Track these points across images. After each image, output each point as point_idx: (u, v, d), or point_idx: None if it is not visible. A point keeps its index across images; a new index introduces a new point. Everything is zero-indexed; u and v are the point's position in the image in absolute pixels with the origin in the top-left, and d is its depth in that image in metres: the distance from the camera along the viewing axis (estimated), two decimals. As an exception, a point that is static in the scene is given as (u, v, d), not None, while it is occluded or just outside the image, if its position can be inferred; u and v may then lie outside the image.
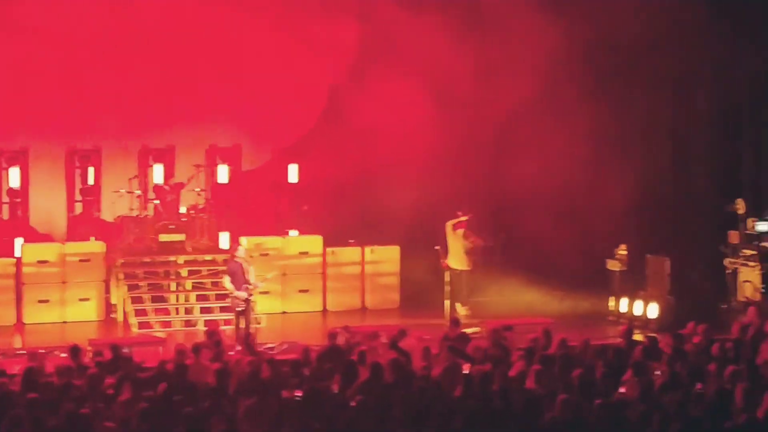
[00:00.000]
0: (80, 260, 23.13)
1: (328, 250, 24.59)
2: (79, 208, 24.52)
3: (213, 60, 25.16)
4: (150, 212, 24.35)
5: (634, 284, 23.29)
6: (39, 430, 12.87)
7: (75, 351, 16.28)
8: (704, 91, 25.54)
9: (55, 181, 24.63)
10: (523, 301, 23.96)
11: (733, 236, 23.29)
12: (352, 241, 24.85)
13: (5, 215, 24.04)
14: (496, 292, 24.47)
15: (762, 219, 23.23)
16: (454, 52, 24.33)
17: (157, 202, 24.25)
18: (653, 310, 22.42)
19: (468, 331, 19.60)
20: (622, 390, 14.93)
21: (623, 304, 23.08)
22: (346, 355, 16.51)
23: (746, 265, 22.94)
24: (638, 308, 22.74)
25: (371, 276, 24.71)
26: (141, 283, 23.28)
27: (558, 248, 24.47)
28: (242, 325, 20.48)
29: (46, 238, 24.19)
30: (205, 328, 20.48)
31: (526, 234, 25.27)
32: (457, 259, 22.86)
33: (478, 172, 25.15)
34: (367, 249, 24.76)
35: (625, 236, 24.26)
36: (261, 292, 21.63)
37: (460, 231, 22.85)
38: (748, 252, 22.93)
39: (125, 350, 17.11)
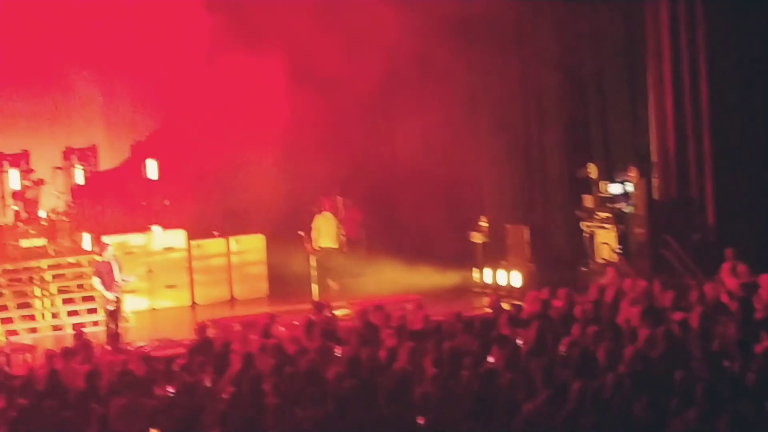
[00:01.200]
0: (-62, 271, 22.68)
1: (193, 243, 24.47)
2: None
3: (65, 59, 24.80)
4: (9, 219, 23.92)
5: (496, 254, 23.60)
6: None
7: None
8: (550, 59, 25.90)
9: None
10: (391, 279, 24.12)
11: (588, 200, 23.73)
12: (216, 233, 24.75)
13: None
14: (363, 273, 24.65)
15: (613, 181, 23.74)
16: (313, 30, 24.32)
17: (16, 208, 23.83)
18: (516, 279, 22.78)
19: (337, 313, 19.74)
20: (491, 360, 15.15)
21: (487, 275, 23.40)
22: (216, 348, 16.47)
23: (602, 227, 23.41)
24: (502, 278, 23.08)
25: (238, 266, 24.66)
26: (5, 291, 22.87)
27: (422, 224, 24.73)
28: (112, 325, 20.30)
29: None
30: (73, 332, 20.24)
31: (390, 212, 25.53)
32: (328, 238, 23.21)
33: (337, 153, 25.19)
34: (232, 239, 24.70)
35: (486, 208, 24.63)
36: (127, 291, 21.42)
37: (329, 213, 23.27)
38: (603, 215, 23.40)
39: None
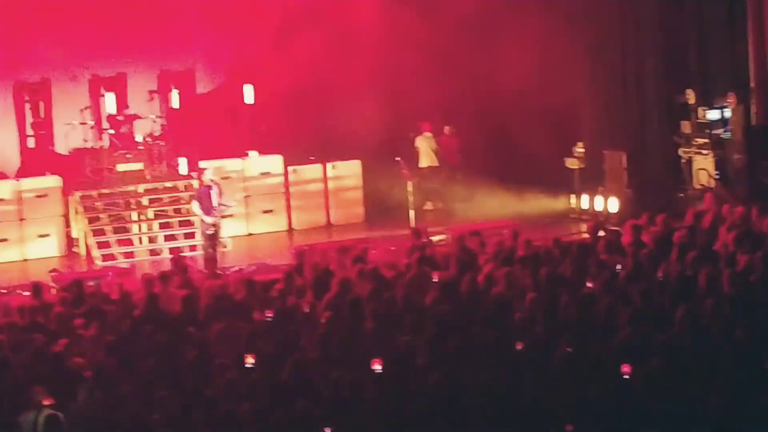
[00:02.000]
0: (37, 196, 22.78)
1: (290, 168, 24.37)
2: (31, 142, 24.07)
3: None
4: (105, 143, 24.00)
5: (593, 180, 23.31)
6: (7, 371, 12.71)
7: (37, 288, 16.07)
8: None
9: (4, 117, 24.20)
10: (488, 205, 23.89)
11: (685, 126, 23.39)
12: (313, 158, 24.64)
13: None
14: (459, 199, 24.48)
15: (711, 107, 23.32)
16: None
17: (112, 132, 23.88)
18: (613, 205, 22.52)
19: (434, 239, 19.57)
20: (589, 285, 14.92)
21: (584, 201, 23.18)
22: (313, 272, 16.38)
23: (700, 153, 23.11)
24: (599, 204, 22.82)
25: (334, 192, 24.55)
26: (101, 215, 22.98)
27: (520, 150, 24.45)
28: (211, 249, 20.32)
29: (-1, 176, 23.90)
30: (171, 256, 20.31)
31: (486, 138, 25.26)
32: (428, 157, 24.06)
33: (436, 78, 24.92)
34: (329, 165, 24.56)
35: (583, 134, 24.28)
36: (225, 216, 21.40)
37: (429, 134, 23.98)
38: (701, 140, 23.08)
39: (90, 284, 16.90)
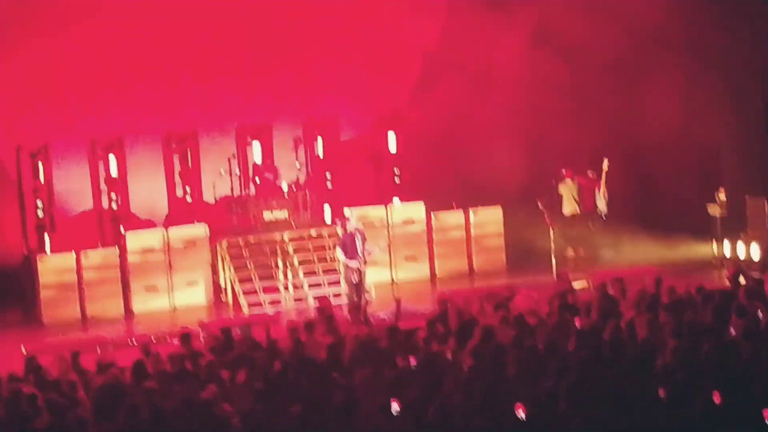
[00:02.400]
0: (185, 245, 23.28)
1: (432, 215, 24.50)
2: (179, 192, 24.62)
3: (305, 34, 25.16)
4: (251, 191, 24.44)
5: (735, 226, 22.99)
6: (157, 418, 12.97)
7: (185, 336, 16.38)
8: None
9: (153, 167, 24.79)
10: (628, 251, 23.71)
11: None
12: (455, 204, 24.73)
13: (105, 204, 24.18)
14: (601, 244, 24.30)
15: None
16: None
17: (258, 180, 24.32)
18: (755, 252, 22.13)
19: (576, 285, 19.47)
20: (731, 332, 14.71)
21: (726, 248, 22.87)
22: (456, 319, 16.42)
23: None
24: (741, 250, 22.49)
25: (476, 238, 24.59)
26: (248, 263, 23.38)
27: (662, 196, 24.22)
28: (355, 297, 20.51)
29: (148, 224, 24.38)
30: (316, 303, 20.55)
31: (628, 184, 25.06)
32: (570, 205, 24.03)
33: (577, 124, 24.87)
34: (471, 211, 24.63)
35: (724, 179, 23.97)
36: (369, 263, 21.58)
37: (570, 181, 23.85)
38: None
39: (237, 331, 17.17)
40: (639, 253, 23.37)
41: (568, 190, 24.36)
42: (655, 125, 23.72)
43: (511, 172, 24.15)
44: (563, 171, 24.38)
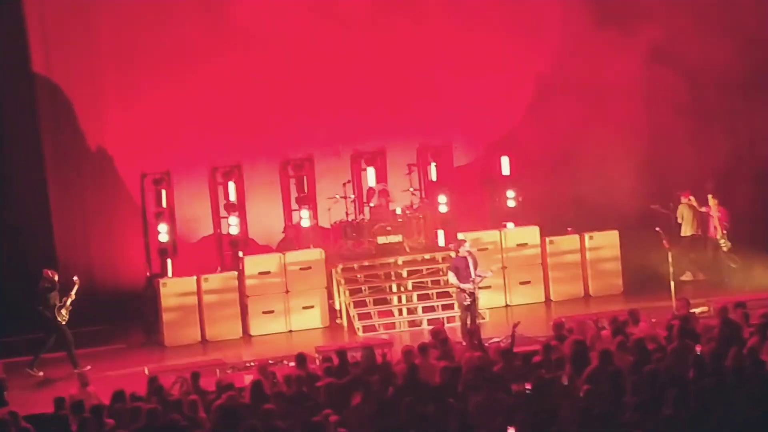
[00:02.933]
0: (301, 269, 23.41)
1: (547, 239, 24.32)
2: (295, 216, 24.77)
3: (418, 60, 25.25)
4: (366, 216, 24.52)
5: None
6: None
7: (302, 359, 16.47)
8: None
9: (270, 193, 25.05)
10: (751, 275, 23.26)
11: None
12: (570, 229, 24.52)
13: (224, 230, 24.49)
14: (723, 269, 23.89)
15: None
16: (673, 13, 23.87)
17: (372, 205, 24.41)
18: None
19: (696, 310, 19.17)
20: None
21: None
22: (573, 344, 16.25)
23: None
24: None
25: (592, 262, 24.32)
26: (362, 287, 23.45)
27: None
28: (468, 320, 20.44)
29: (266, 249, 24.61)
30: (430, 327, 20.51)
31: (750, 205, 24.67)
32: (689, 226, 23.82)
33: (687, 148, 24.58)
34: (586, 235, 24.39)
35: None
36: (482, 287, 21.54)
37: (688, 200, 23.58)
38: None
39: (352, 355, 17.19)
40: (762, 278, 22.88)
41: (688, 211, 24.05)
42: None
43: (628, 194, 23.91)
44: (682, 193, 24.12)
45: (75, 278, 21.43)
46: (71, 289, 21.23)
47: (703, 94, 24.07)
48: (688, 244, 23.91)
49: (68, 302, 21.11)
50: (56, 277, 21.34)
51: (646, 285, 23.25)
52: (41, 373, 20.82)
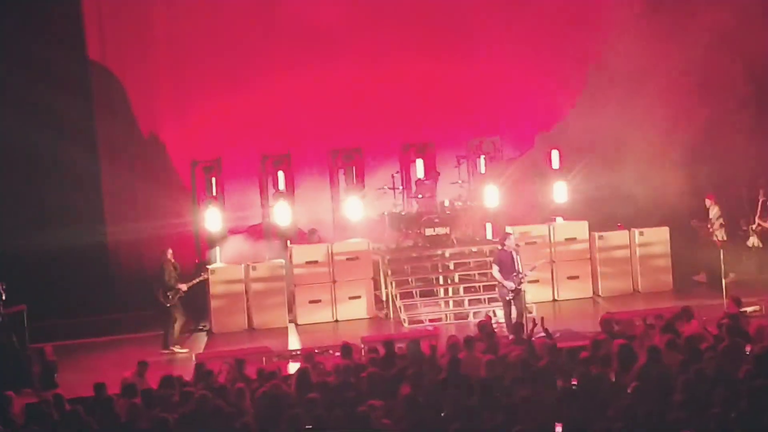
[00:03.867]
0: (348, 259, 23.41)
1: (596, 234, 24.17)
2: (344, 207, 24.75)
3: (468, 52, 25.23)
4: (414, 208, 24.48)
5: None
6: (319, 429, 13.05)
7: (347, 349, 16.47)
8: None
9: (319, 183, 25.08)
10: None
11: None
12: (620, 224, 24.36)
13: (273, 218, 24.50)
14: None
15: None
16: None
17: (420, 196, 24.38)
18: None
19: (747, 309, 18.99)
20: None
21: None
22: (622, 341, 16.13)
23: None
24: None
25: (642, 259, 24.14)
26: (409, 278, 23.42)
27: None
28: (513, 314, 20.35)
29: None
30: (476, 320, 20.43)
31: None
32: (720, 230, 23.08)
33: (738, 150, 24.40)
34: (636, 231, 24.22)
35: None
36: (530, 281, 21.45)
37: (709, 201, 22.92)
38: None
39: (399, 345, 17.15)
40: None
41: (715, 215, 23.46)
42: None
43: (680, 190, 23.74)
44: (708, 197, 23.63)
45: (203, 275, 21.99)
46: (193, 278, 21.68)
47: (764, 85, 23.82)
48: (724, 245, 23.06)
49: (179, 286, 21.42)
50: (166, 263, 21.59)
51: (697, 282, 23.05)
52: (178, 349, 21.13)
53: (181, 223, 24.58)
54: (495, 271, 20.67)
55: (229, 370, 16.08)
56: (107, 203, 24.85)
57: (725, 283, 21.67)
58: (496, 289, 21.07)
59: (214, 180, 24.05)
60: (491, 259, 22.41)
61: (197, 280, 21.94)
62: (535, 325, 18.11)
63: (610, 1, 24.88)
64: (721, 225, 23.14)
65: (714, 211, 23.39)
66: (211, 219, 23.73)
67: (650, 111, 23.93)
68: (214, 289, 22.98)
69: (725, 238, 23.09)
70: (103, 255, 24.50)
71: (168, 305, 21.35)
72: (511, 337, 19.02)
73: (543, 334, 17.63)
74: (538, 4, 25.01)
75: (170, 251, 21.83)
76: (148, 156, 25.09)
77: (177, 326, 21.50)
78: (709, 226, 23.19)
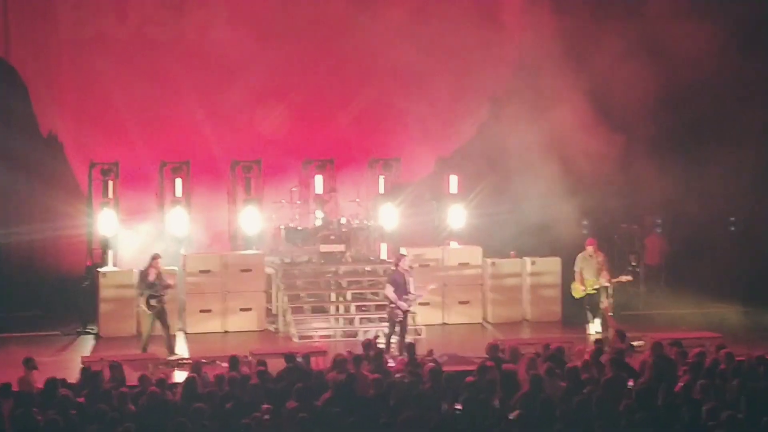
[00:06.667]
0: (241, 270, 23.34)
1: (490, 261, 24.37)
2: (240, 218, 24.64)
3: (373, 73, 25.36)
4: (310, 223, 24.50)
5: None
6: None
7: (235, 361, 16.43)
8: None
9: (216, 192, 25.01)
10: (689, 314, 23.45)
11: None
12: (513, 252, 24.59)
13: (168, 225, 24.25)
14: (663, 307, 24.06)
15: None
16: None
17: (320, 213, 24.41)
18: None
19: (634, 344, 19.24)
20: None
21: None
22: (505, 368, 16.30)
23: None
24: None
25: (532, 288, 24.39)
26: (301, 293, 23.43)
27: (727, 262, 24.05)
28: (396, 336, 20.42)
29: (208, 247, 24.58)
30: (365, 339, 20.45)
31: (694, 246, 24.90)
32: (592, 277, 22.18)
33: (633, 188, 24.86)
34: (528, 260, 24.46)
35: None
36: (421, 303, 21.59)
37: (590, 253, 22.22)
38: None
39: (299, 359, 17.14)
40: (700, 318, 23.04)
41: (588, 264, 22.17)
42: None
43: (570, 222, 24.07)
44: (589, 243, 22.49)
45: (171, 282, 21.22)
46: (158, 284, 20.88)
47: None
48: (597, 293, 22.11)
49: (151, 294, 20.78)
50: (152, 268, 20.86)
51: (585, 314, 23.32)
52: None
53: (74, 226, 24.31)
54: (389, 291, 20.68)
55: (114, 375, 15.95)
56: (0, 203, 24.52)
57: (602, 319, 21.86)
58: (387, 309, 21.11)
59: (111, 183, 23.82)
60: (385, 278, 22.51)
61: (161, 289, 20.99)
62: (429, 352, 18.19)
63: (516, 32, 25.20)
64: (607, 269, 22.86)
65: (599, 260, 22.21)
66: (106, 222, 23.48)
67: (552, 138, 24.24)
68: (104, 292, 22.75)
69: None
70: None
71: (149, 312, 20.82)
72: (400, 357, 19.11)
73: (431, 362, 17.72)
74: (445, 29, 25.21)
75: (159, 258, 21.12)
76: (46, 157, 24.80)
77: (148, 333, 20.87)
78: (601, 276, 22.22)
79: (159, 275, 20.82)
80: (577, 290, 21.94)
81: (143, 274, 20.90)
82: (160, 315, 20.77)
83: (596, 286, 21.76)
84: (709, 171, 24.42)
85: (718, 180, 24.44)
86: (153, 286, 20.75)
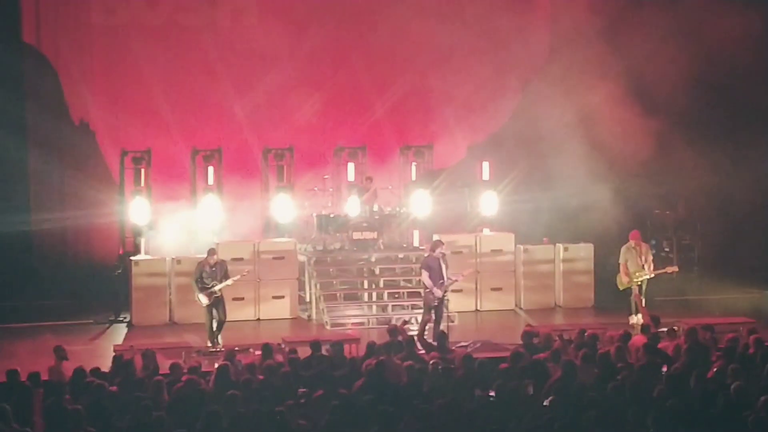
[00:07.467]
0: (274, 258, 23.34)
1: (522, 247, 24.30)
2: (273, 206, 24.60)
3: (405, 60, 25.31)
4: (343, 210, 24.48)
5: None
6: (235, 426, 13.03)
7: (268, 349, 16.43)
8: None
9: (248, 180, 25.02)
10: (726, 301, 23.32)
11: None
12: (546, 238, 24.52)
13: (199, 213, 24.28)
14: (696, 292, 23.91)
15: None
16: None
17: (351, 199, 24.37)
18: None
19: (666, 330, 19.14)
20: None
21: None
22: (534, 353, 16.26)
23: None
24: None
25: (565, 274, 24.30)
26: (334, 281, 23.43)
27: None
28: (432, 322, 20.37)
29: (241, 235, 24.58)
30: (396, 326, 20.40)
31: (728, 235, 24.76)
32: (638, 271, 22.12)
33: (668, 173, 24.68)
34: (561, 246, 24.38)
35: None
36: (454, 290, 21.53)
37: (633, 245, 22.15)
38: None
39: (325, 347, 17.11)
40: (734, 303, 22.91)
41: (632, 256, 22.06)
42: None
43: (606, 209, 23.97)
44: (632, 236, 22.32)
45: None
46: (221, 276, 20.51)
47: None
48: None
49: (213, 287, 20.42)
50: (206, 262, 20.52)
51: (617, 300, 23.21)
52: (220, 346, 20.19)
53: (106, 213, 24.39)
54: (425, 276, 20.53)
55: (147, 364, 15.98)
56: (33, 191, 24.62)
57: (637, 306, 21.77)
58: (423, 294, 21.05)
59: (143, 171, 23.86)
60: (418, 265, 22.46)
61: (230, 281, 20.67)
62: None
63: (549, 14, 25.09)
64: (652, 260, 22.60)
65: (643, 251, 22.15)
66: (138, 210, 23.51)
67: (585, 123, 24.14)
68: (137, 281, 22.79)
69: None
70: (26, 243, 24.25)
71: (204, 305, 20.52)
72: (433, 344, 19.08)
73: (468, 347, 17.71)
74: (478, 13, 25.12)
75: (215, 253, 20.83)
76: (78, 144, 24.88)
77: (214, 324, 20.53)
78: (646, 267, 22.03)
79: (215, 268, 20.57)
80: (622, 282, 21.84)
81: (199, 267, 20.74)
82: (216, 306, 20.56)
83: (641, 278, 21.63)
84: (749, 155, 24.23)
85: (757, 164, 24.24)
86: (208, 278, 20.54)
